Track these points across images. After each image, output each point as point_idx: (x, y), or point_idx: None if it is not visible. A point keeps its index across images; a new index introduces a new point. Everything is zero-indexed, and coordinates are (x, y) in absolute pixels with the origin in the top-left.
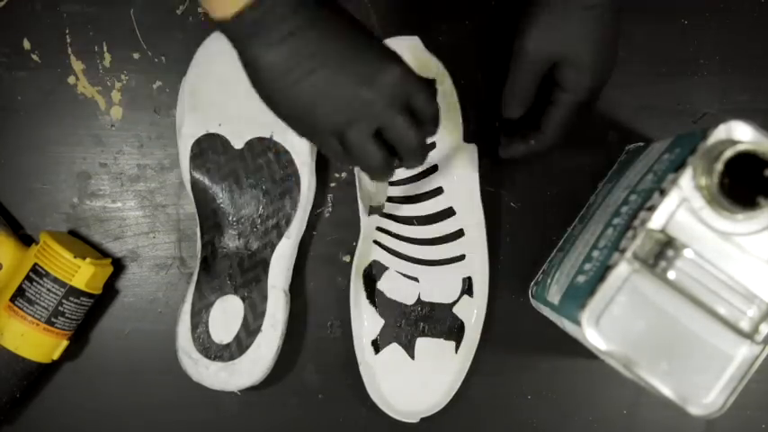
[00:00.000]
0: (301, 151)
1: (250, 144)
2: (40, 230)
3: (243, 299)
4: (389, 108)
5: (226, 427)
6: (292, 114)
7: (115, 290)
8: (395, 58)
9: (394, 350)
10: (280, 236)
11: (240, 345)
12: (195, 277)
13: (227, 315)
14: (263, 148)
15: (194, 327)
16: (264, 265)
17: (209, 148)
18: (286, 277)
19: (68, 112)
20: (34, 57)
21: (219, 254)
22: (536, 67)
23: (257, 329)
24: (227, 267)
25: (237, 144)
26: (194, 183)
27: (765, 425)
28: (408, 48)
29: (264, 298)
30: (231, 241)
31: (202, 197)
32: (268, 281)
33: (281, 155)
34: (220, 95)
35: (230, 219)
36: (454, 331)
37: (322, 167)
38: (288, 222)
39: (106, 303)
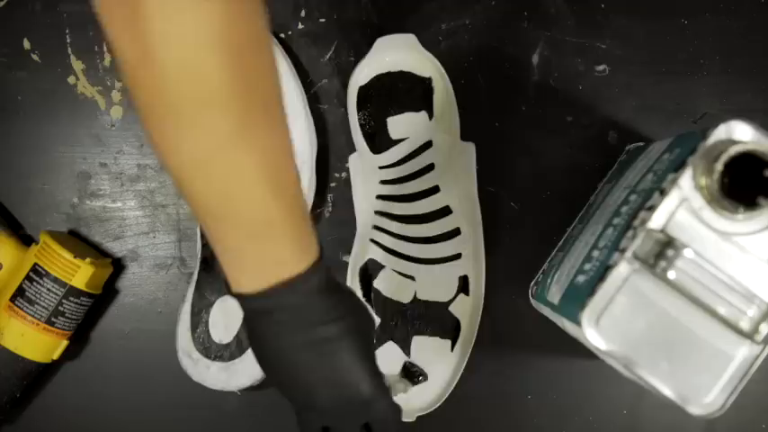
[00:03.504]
0: (301, 150)
1: None
2: (40, 230)
3: None
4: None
5: (226, 427)
6: (287, 392)
7: (115, 290)
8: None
9: (390, 348)
10: None
11: (240, 345)
12: (195, 277)
13: (227, 315)
14: None
15: (194, 327)
16: None
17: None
18: None
19: (68, 112)
20: (34, 57)
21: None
22: None
23: None
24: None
25: None
26: None
27: (765, 425)
28: (404, 45)
29: None
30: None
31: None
32: None
33: None
34: None
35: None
36: (450, 330)
37: (322, 167)
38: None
39: (106, 303)
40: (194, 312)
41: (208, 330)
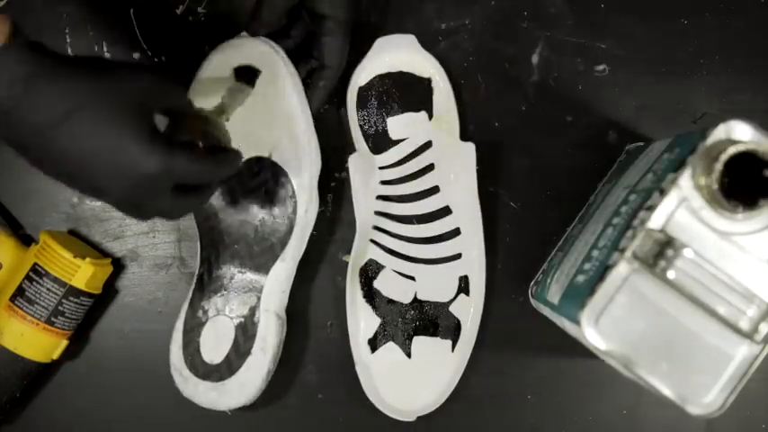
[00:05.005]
0: (300, 174)
1: (248, 163)
2: (40, 230)
3: (235, 320)
4: (171, 154)
5: (225, 427)
6: (62, 173)
7: (115, 290)
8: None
9: (390, 349)
10: (274, 258)
11: (230, 366)
12: (189, 295)
13: (218, 335)
14: (260, 167)
15: (186, 345)
16: (258, 287)
17: None
18: (280, 300)
19: None
20: None
21: (214, 273)
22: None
23: (247, 352)
24: (220, 287)
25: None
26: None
27: (765, 425)
28: (404, 46)
29: (256, 321)
30: (226, 261)
31: (200, 214)
32: (261, 304)
33: (280, 176)
34: None
35: (226, 238)
36: (450, 330)
37: (322, 167)
38: (283, 245)
39: (106, 303)
40: (186, 330)
41: (199, 350)
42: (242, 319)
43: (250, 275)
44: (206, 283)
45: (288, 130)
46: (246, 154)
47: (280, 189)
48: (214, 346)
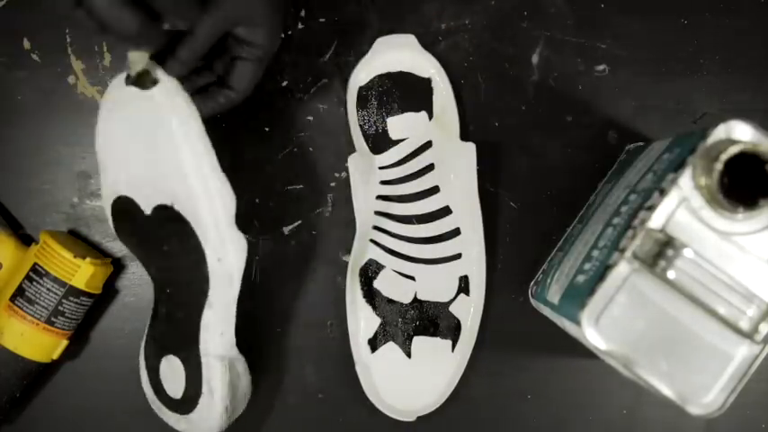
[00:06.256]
0: (200, 224)
1: (157, 210)
2: (40, 230)
3: (182, 361)
4: None
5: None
6: None
7: (115, 290)
8: None
9: (390, 349)
10: (200, 308)
11: (190, 402)
12: (146, 330)
13: (174, 373)
14: (167, 216)
15: (151, 379)
16: (194, 333)
17: (125, 212)
18: (220, 344)
19: (68, 112)
20: (34, 57)
21: (158, 315)
22: (220, 28)
23: (198, 393)
24: (163, 329)
25: (147, 209)
26: (124, 243)
27: (765, 424)
28: (404, 46)
29: (199, 364)
30: (161, 306)
31: (135, 258)
32: (199, 349)
33: (185, 225)
34: (124, 154)
35: (157, 282)
36: (450, 330)
37: (322, 167)
38: (204, 295)
39: (106, 303)
40: (148, 366)
41: (161, 384)
42: (187, 361)
43: (182, 322)
44: (153, 325)
45: (182, 182)
46: (155, 200)
47: (186, 240)
48: (172, 381)
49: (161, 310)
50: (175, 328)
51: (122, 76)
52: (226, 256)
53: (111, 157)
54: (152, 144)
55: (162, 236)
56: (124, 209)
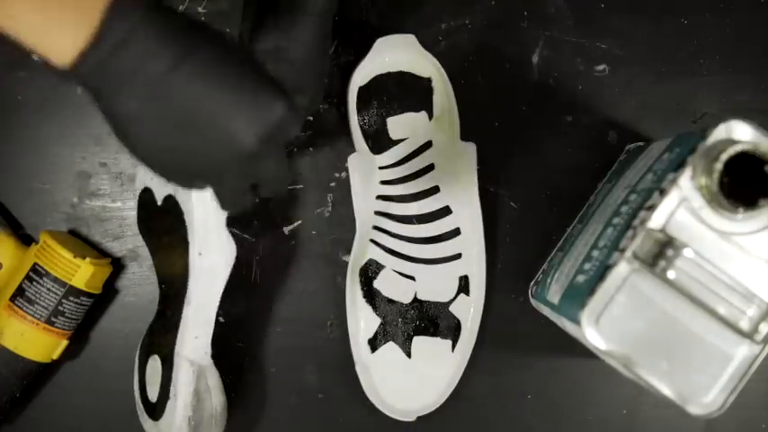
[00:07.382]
0: (194, 216)
1: (165, 200)
2: (40, 230)
3: (162, 362)
4: (263, 159)
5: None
6: (164, 169)
7: (115, 290)
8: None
9: (390, 349)
10: (180, 303)
11: (161, 407)
12: (146, 331)
13: (155, 374)
14: (171, 206)
15: (139, 380)
16: (174, 331)
17: (144, 203)
18: (191, 347)
19: (68, 112)
20: (34, 57)
21: (156, 314)
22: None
23: (167, 395)
24: (156, 328)
25: (159, 200)
26: (141, 236)
27: (765, 424)
28: (404, 46)
29: (172, 364)
30: (159, 304)
31: (138, 257)
32: (175, 347)
33: (180, 216)
34: None
35: (158, 281)
36: (451, 330)
37: (322, 167)
38: (184, 289)
39: (106, 303)
40: (140, 365)
41: (145, 386)
42: (166, 361)
43: (168, 317)
44: (153, 321)
45: None
46: (164, 192)
47: (178, 231)
48: (152, 384)
49: (158, 308)
50: (163, 326)
51: None
52: (208, 252)
53: None
54: None
55: (165, 226)
56: (145, 200)
